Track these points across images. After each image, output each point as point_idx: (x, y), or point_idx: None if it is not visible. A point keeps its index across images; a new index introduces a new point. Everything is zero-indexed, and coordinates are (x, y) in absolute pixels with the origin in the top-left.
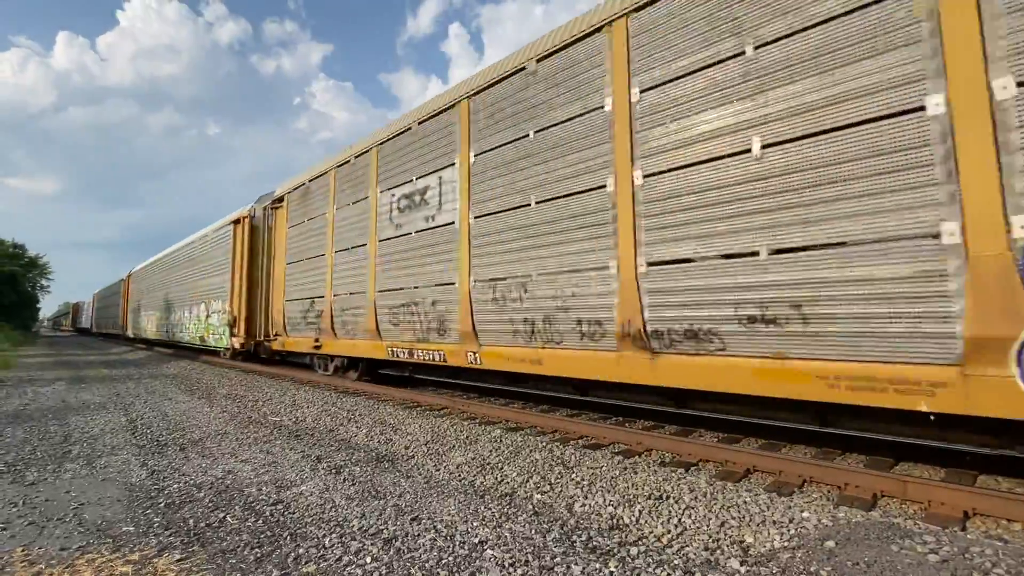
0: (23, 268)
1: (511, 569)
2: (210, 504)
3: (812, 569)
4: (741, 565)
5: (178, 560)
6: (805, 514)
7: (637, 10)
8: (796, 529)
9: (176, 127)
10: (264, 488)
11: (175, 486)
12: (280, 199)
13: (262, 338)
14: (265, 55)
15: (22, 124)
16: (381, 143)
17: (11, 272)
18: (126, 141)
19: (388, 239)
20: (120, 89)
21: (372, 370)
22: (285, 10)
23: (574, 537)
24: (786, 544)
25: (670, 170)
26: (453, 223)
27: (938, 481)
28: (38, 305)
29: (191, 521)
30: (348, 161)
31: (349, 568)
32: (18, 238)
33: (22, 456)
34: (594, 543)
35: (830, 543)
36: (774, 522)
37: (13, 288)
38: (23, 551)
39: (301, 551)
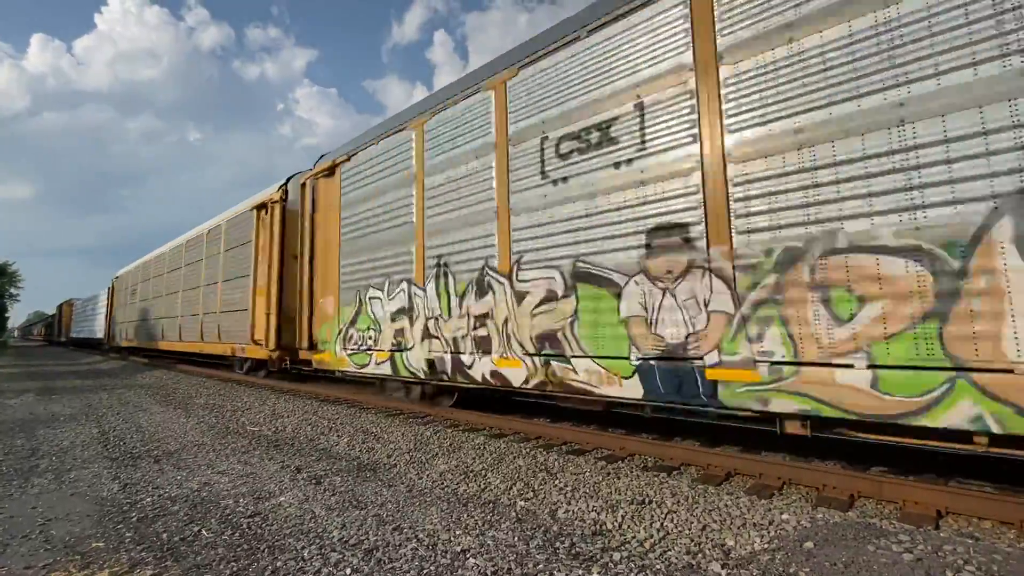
0: None
1: None
2: (185, 517)
3: (791, 571)
4: (722, 568)
5: None
6: (785, 516)
7: None
8: (776, 531)
9: (155, 132)
10: (241, 500)
11: (148, 499)
12: None
13: None
14: (248, 60)
15: None
16: None
17: None
18: (103, 146)
19: None
20: (97, 93)
21: None
22: (268, 16)
23: (557, 544)
24: (766, 546)
25: None
26: None
27: (912, 481)
28: (6, 314)
29: (165, 535)
30: None
31: None
32: None
33: None
34: (577, 549)
35: (809, 544)
36: (754, 524)
37: None
38: None
39: (279, 564)
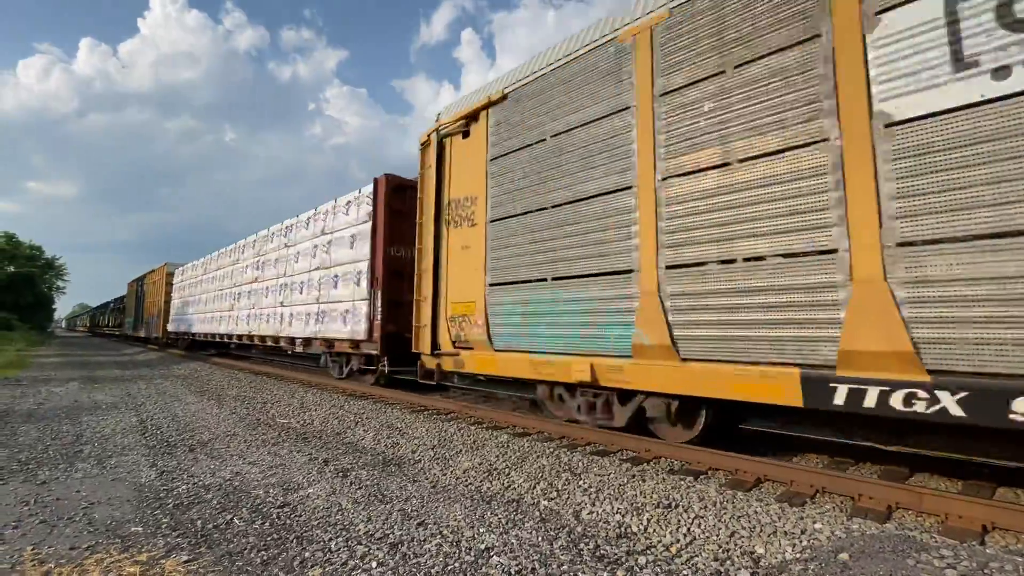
0: (40, 270)
1: None
2: (218, 506)
3: None
4: None
5: (185, 561)
6: (818, 525)
7: None
8: (808, 540)
9: (193, 132)
10: (271, 490)
11: (183, 487)
12: None
13: None
14: (282, 61)
15: (44, 129)
16: None
17: (28, 273)
18: (144, 146)
19: None
20: (139, 95)
21: None
22: (302, 18)
23: (581, 545)
24: (798, 556)
25: None
26: None
27: (955, 493)
28: (53, 306)
29: (199, 522)
30: None
31: (355, 572)
32: (36, 240)
33: (35, 455)
34: (601, 551)
35: (844, 555)
36: (786, 533)
37: (30, 289)
38: (33, 550)
39: (307, 554)
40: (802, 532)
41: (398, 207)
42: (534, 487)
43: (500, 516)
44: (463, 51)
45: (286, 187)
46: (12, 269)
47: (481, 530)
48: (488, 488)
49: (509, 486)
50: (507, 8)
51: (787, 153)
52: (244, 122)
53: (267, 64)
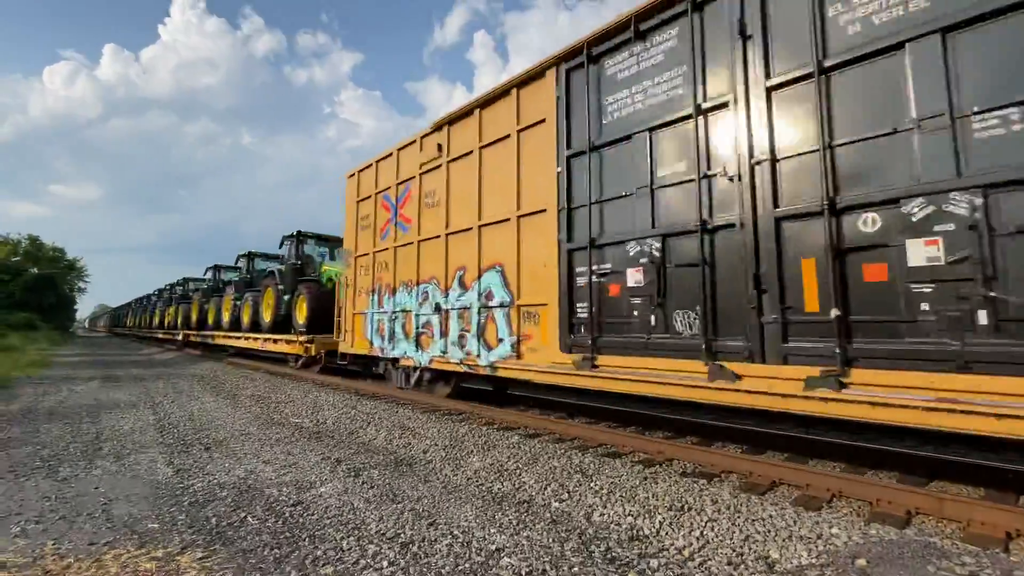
0: (62, 271)
1: None
2: (232, 504)
3: None
4: None
5: (200, 558)
6: (834, 530)
7: None
8: (825, 545)
9: (212, 136)
10: (285, 489)
11: (199, 485)
12: None
13: None
14: (298, 65)
15: (68, 134)
16: None
17: (50, 275)
18: (164, 150)
19: None
20: (160, 100)
21: None
22: (318, 22)
23: (592, 547)
24: (814, 561)
25: None
26: None
27: (978, 499)
28: (75, 307)
29: (214, 520)
30: None
31: (366, 571)
32: (59, 242)
33: (56, 452)
34: (613, 554)
35: (861, 561)
36: (801, 537)
37: (52, 290)
38: (54, 544)
39: (319, 553)
40: (818, 537)
41: None
42: (545, 488)
43: (511, 517)
44: (476, 52)
45: (301, 190)
46: (35, 271)
47: (492, 531)
48: (499, 489)
49: (520, 487)
50: (520, 9)
51: None
52: (261, 125)
53: (283, 68)
